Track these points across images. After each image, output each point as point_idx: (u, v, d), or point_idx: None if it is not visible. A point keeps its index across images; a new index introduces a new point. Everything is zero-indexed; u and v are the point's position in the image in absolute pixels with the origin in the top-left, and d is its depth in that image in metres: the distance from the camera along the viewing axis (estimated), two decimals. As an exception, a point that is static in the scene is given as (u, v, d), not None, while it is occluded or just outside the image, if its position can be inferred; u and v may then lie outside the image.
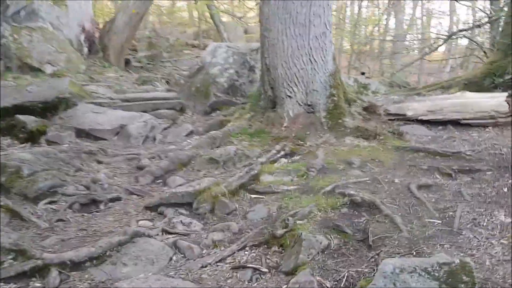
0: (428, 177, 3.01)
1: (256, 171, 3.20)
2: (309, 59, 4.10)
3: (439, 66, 16.34)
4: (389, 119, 4.35)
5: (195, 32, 20.03)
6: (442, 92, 5.53)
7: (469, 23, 11.34)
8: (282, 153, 3.58)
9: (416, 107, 4.41)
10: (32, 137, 4.68)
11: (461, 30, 9.73)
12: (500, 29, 6.53)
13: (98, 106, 5.56)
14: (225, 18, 18.01)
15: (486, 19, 10.61)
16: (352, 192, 2.68)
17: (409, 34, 16.46)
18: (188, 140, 4.39)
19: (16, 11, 11.78)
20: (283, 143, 3.74)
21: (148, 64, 11.79)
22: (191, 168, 3.76)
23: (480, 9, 12.50)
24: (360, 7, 17.67)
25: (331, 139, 3.77)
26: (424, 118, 4.33)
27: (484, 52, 10.30)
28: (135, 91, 7.26)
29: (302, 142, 3.77)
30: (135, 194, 3.34)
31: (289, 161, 3.52)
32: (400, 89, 7.80)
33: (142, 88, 7.62)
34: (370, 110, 4.26)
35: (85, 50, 10.70)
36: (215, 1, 15.55)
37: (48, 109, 5.30)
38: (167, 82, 9.20)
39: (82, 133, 5.01)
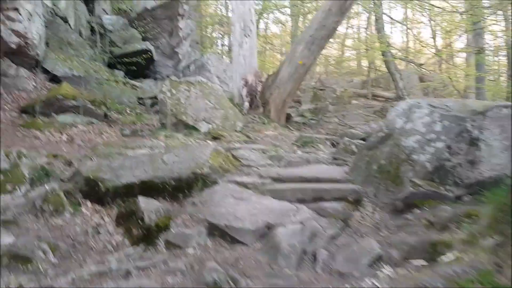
0: None
1: None
2: None
3: None
4: None
5: (362, 81, 18.53)
6: None
7: None
8: None
9: None
10: (149, 235, 3.37)
11: None
12: None
13: (242, 188, 4.06)
14: (400, 66, 15.93)
15: None
16: None
17: None
18: (376, 283, 2.38)
19: (187, 65, 11.98)
20: None
21: (311, 119, 10.37)
22: None
23: None
24: None
25: None
26: None
27: None
28: (293, 159, 5.68)
29: None
30: None
31: None
32: None
33: (300, 156, 6.00)
34: None
35: (246, 104, 9.91)
36: (391, 48, 13.59)
37: (181, 188, 4.03)
38: (333, 145, 7.45)
39: (215, 231, 3.51)
